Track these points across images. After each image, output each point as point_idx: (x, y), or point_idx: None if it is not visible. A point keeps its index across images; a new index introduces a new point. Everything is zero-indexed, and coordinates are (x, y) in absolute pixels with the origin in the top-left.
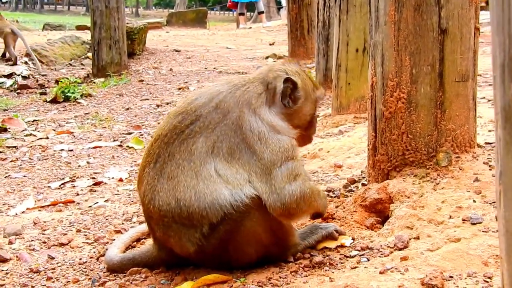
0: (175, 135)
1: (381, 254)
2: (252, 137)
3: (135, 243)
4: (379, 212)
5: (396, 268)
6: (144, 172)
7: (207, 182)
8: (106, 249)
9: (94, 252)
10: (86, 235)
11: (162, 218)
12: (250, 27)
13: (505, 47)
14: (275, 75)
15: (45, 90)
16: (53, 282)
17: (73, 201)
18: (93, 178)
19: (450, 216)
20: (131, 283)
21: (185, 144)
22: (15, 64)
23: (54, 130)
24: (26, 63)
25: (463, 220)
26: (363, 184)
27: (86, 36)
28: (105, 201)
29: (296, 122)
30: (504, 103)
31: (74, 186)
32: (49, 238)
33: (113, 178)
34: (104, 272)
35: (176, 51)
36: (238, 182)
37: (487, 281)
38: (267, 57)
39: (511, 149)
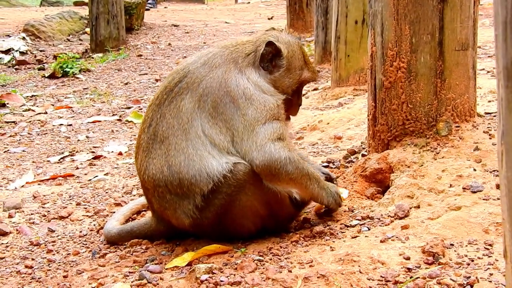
0: (165, 95)
1: (382, 223)
2: (237, 91)
3: (135, 215)
4: (379, 182)
5: (396, 237)
6: (140, 139)
7: (196, 145)
8: (106, 222)
9: (94, 225)
10: (86, 208)
11: (156, 188)
12: (249, 2)
13: (507, 3)
14: (265, 39)
15: (44, 65)
16: (54, 254)
17: (73, 175)
18: (93, 152)
19: (451, 185)
20: (132, 254)
21: (174, 102)
22: None
23: (53, 105)
24: (23, 38)
25: (464, 188)
26: (363, 155)
27: (84, 11)
28: (104, 174)
29: (279, 89)
30: (507, 61)
31: (73, 160)
32: (49, 211)
33: (112, 152)
34: (104, 244)
35: (175, 26)
36: (223, 146)
37: (487, 248)
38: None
39: None
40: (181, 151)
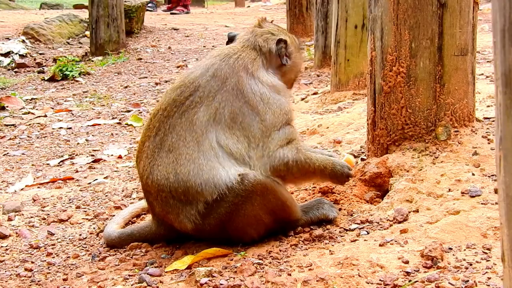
0: (175, 107)
1: (381, 227)
2: (255, 98)
3: (135, 218)
4: (379, 186)
5: (395, 241)
6: (144, 146)
7: (208, 156)
8: (106, 225)
9: (94, 228)
10: (85, 211)
11: (159, 193)
12: (249, 6)
13: (505, 11)
14: (264, 39)
15: (43, 68)
16: (53, 257)
17: (72, 178)
18: (92, 155)
19: (449, 189)
20: (132, 257)
21: (186, 115)
22: None
23: (53, 108)
24: (23, 41)
25: (462, 193)
26: (362, 159)
27: (84, 14)
28: (104, 178)
29: (292, 77)
30: (504, 68)
31: (73, 164)
32: (48, 214)
33: (112, 155)
34: (104, 248)
35: (175, 29)
36: (240, 154)
37: (486, 253)
38: None
39: (511, 114)
40: (192, 161)
